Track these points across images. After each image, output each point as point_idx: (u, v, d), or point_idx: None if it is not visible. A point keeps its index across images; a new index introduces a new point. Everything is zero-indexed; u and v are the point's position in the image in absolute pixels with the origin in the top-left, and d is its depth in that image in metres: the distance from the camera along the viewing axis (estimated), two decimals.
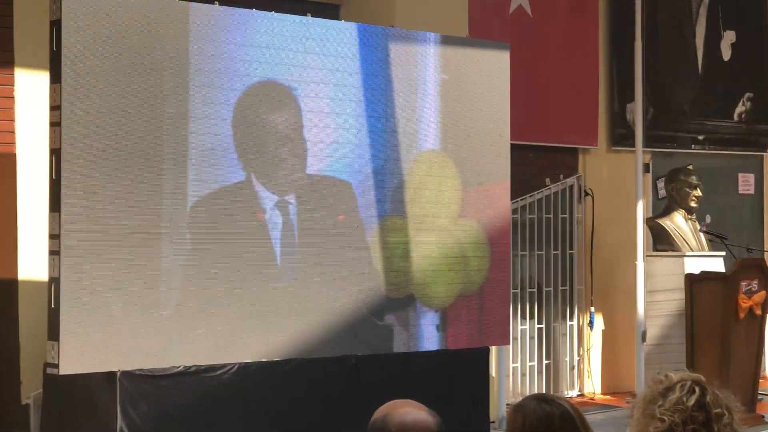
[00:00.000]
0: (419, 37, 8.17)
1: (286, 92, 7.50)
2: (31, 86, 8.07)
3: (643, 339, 10.22)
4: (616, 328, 11.11)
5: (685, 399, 3.32)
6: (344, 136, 7.72)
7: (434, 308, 8.19)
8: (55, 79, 6.69)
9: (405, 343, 8.03)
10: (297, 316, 7.51)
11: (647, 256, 10.53)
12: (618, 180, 11.18)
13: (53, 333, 6.63)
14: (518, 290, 10.31)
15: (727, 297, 9.30)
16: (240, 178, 7.29)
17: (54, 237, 6.65)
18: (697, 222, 10.84)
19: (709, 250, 10.66)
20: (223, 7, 7.35)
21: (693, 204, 10.72)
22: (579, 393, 10.86)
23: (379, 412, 3.38)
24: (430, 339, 8.16)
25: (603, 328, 11.12)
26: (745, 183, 12.39)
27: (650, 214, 11.16)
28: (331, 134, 7.67)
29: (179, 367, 6.99)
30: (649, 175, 11.47)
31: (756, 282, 9.43)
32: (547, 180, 10.68)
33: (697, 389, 3.34)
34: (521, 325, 10.40)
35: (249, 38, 7.34)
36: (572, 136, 10.97)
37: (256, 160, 7.34)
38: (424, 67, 8.13)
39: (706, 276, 9.55)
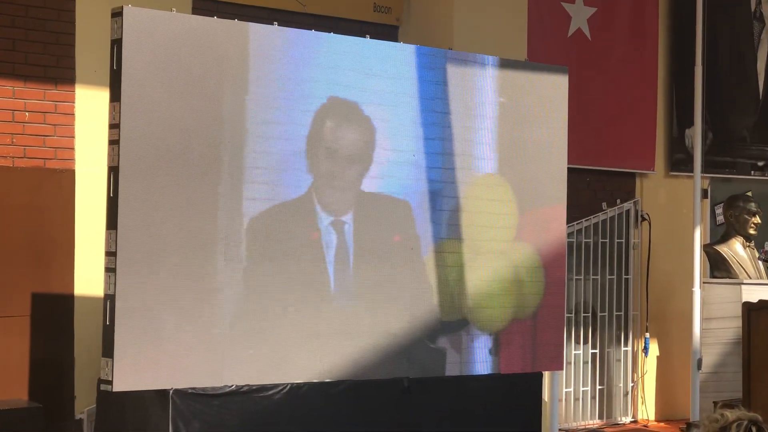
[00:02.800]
0: (477, 59, 8.15)
1: (362, 116, 7.53)
2: (91, 104, 8.16)
3: (699, 366, 10.11)
4: (670, 355, 11.01)
5: None
6: (401, 157, 7.72)
7: (487, 332, 8.15)
8: (115, 97, 6.73)
9: (457, 366, 7.99)
10: (349, 338, 7.50)
11: (704, 282, 10.42)
12: (675, 205, 11.09)
13: (107, 350, 6.66)
14: (572, 315, 10.24)
15: None
16: (297, 195, 7.29)
17: (110, 254, 6.69)
18: (755, 249, 10.73)
19: None
20: (282, 27, 7.38)
21: (752, 231, 10.62)
22: (633, 419, 10.76)
23: None
24: (482, 363, 8.12)
25: (658, 354, 11.02)
26: None
27: (708, 241, 11.06)
28: (388, 155, 7.67)
29: (231, 386, 7.01)
30: (707, 201, 11.36)
31: None
32: (604, 204, 10.61)
33: (753, 429, 3.29)
34: (575, 350, 10.33)
35: (307, 59, 7.35)
36: (630, 160, 10.91)
37: (319, 177, 7.36)
38: (482, 90, 8.10)
39: (764, 305, 9.42)
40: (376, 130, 7.61)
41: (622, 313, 10.71)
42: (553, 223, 8.46)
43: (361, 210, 7.58)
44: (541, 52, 9.88)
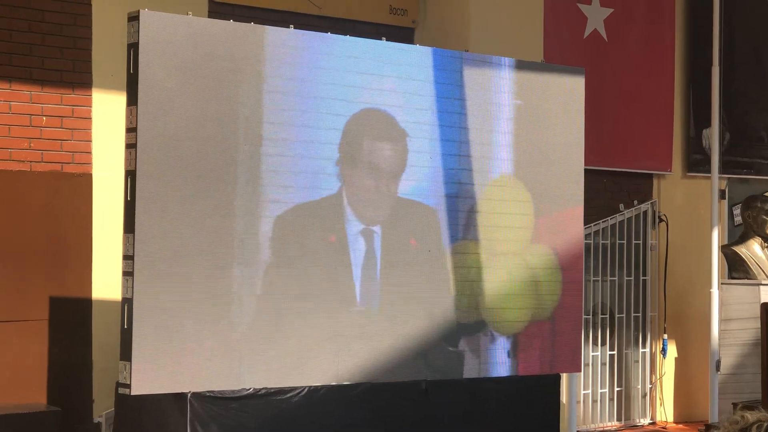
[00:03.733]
0: (494, 61, 8.14)
1: (399, 127, 7.55)
2: (108, 108, 8.18)
3: (718, 368, 10.08)
4: (689, 356, 10.97)
5: None
6: (417, 159, 7.71)
7: (505, 334, 8.14)
8: (132, 101, 6.75)
9: (475, 368, 7.98)
10: (367, 340, 7.49)
11: (722, 283, 10.39)
12: (693, 206, 11.06)
13: (125, 353, 6.67)
14: (590, 316, 10.22)
15: None
16: (314, 199, 7.29)
17: (128, 258, 6.70)
18: None
19: None
20: (298, 30, 7.38)
21: None
22: (651, 421, 10.73)
23: None
24: (500, 365, 8.11)
25: (676, 355, 10.99)
26: None
27: (726, 241, 11.02)
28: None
29: (249, 389, 7.01)
30: (725, 202, 11.33)
31: None
32: (621, 205, 10.59)
33: None
34: (593, 352, 10.31)
35: (323, 61, 7.35)
36: (647, 161, 10.88)
37: (349, 183, 7.37)
38: (499, 92, 8.09)
39: None
40: (393, 134, 7.61)
41: (640, 314, 10.69)
42: (570, 225, 8.44)
43: (388, 217, 7.57)
44: (558, 53, 9.87)
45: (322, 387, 7.29)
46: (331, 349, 7.33)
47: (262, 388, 7.06)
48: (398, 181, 7.61)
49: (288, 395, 7.15)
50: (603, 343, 10.42)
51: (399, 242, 7.63)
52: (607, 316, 10.47)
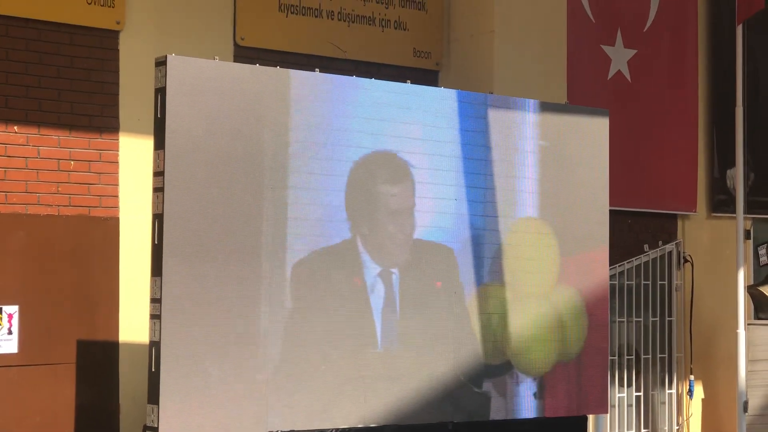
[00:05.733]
0: (518, 103, 8.17)
1: (404, 166, 7.58)
2: (135, 152, 8.23)
3: (745, 409, 10.02)
4: (716, 397, 10.92)
5: None
6: (443, 205, 7.73)
7: (532, 375, 8.13)
8: (159, 145, 6.80)
9: (502, 410, 7.96)
10: (394, 382, 7.49)
11: (749, 324, 10.35)
12: (718, 246, 11.04)
13: (153, 396, 6.69)
14: (616, 357, 10.19)
15: None
16: (340, 241, 7.32)
17: (155, 301, 6.73)
18: None
19: None
20: (323, 74, 7.43)
21: None
22: None
23: None
24: (527, 406, 8.09)
25: (703, 396, 10.94)
26: None
27: (751, 282, 10.98)
28: (430, 204, 7.69)
29: (276, 431, 7.01)
30: (750, 242, 11.31)
31: None
32: (646, 246, 10.57)
33: None
34: (619, 393, 10.27)
35: (348, 107, 7.40)
36: (671, 201, 10.87)
37: (363, 227, 7.40)
38: (523, 134, 8.12)
39: None
40: (418, 180, 7.63)
41: (666, 355, 10.65)
42: (595, 266, 8.44)
43: (407, 259, 7.59)
44: (582, 94, 9.90)
45: (349, 429, 7.28)
46: (357, 391, 7.34)
47: (290, 431, 7.06)
48: (408, 219, 7.61)
49: None
50: (629, 385, 10.38)
51: (423, 284, 7.64)
52: (633, 357, 10.43)
